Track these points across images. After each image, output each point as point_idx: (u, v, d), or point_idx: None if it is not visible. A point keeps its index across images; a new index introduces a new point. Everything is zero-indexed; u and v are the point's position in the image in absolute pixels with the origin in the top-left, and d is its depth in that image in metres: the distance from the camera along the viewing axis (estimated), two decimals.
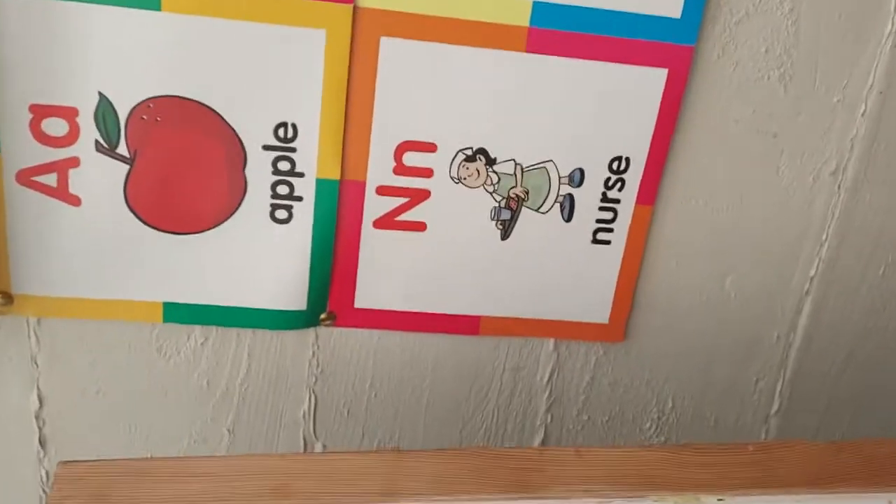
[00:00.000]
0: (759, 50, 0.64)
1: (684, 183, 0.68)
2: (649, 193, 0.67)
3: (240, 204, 0.62)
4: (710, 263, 0.71)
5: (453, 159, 0.64)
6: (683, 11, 0.60)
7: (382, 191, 0.64)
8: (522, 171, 0.65)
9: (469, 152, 0.63)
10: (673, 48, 0.61)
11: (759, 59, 0.64)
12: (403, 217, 0.65)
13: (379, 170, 0.63)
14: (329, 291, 0.67)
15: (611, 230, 0.68)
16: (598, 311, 0.71)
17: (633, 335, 0.74)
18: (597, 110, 0.63)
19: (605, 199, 0.67)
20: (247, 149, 0.60)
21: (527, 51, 0.60)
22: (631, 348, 0.74)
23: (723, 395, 0.78)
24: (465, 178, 0.64)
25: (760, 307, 0.74)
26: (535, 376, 0.74)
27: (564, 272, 0.69)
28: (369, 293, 0.67)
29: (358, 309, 0.68)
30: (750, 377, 0.78)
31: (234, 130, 0.59)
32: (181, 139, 0.59)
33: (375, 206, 0.64)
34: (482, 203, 0.66)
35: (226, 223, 0.62)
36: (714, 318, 0.74)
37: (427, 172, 0.64)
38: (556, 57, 0.61)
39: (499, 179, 0.65)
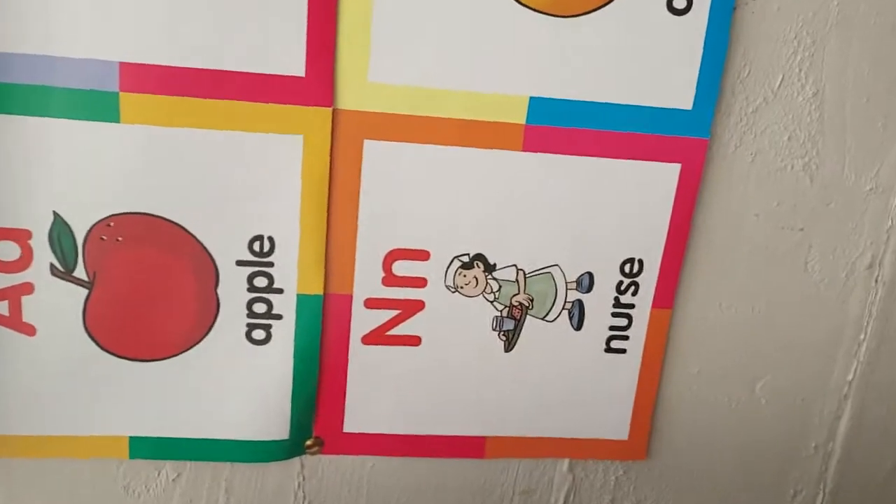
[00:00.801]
0: (780, 138, 0.58)
1: (704, 283, 0.61)
2: (666, 296, 0.60)
3: (212, 325, 0.56)
4: (737, 369, 0.65)
5: (448, 267, 0.58)
6: (695, 102, 0.55)
7: (371, 304, 0.58)
8: (525, 277, 0.59)
9: (465, 259, 0.57)
10: (685, 141, 0.56)
11: (781, 148, 0.58)
12: (395, 331, 0.59)
13: (366, 281, 0.57)
14: (315, 416, 0.60)
15: (626, 337, 0.61)
16: (617, 426, 0.64)
17: (655, 451, 0.66)
18: (604, 210, 0.57)
19: (617, 304, 0.60)
20: (218, 265, 0.54)
21: (524, 149, 0.55)
22: (654, 466, 0.67)
23: None
24: (462, 287, 0.58)
25: (795, 414, 0.67)
26: (548, 500, 0.66)
27: (577, 385, 0.62)
28: (360, 416, 0.61)
29: (348, 434, 0.61)
30: (787, 491, 0.70)
31: (203, 247, 0.54)
32: (145, 259, 0.53)
33: (364, 320, 0.58)
34: (482, 313, 0.59)
35: (196, 347, 0.56)
36: (744, 427, 0.66)
37: (420, 282, 0.58)
38: (556, 155, 0.55)
39: (499, 287, 0.59)
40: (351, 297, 0.57)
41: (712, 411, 0.65)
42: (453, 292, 0.58)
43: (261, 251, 0.54)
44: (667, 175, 0.57)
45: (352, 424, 0.61)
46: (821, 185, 0.60)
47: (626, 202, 0.57)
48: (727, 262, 0.61)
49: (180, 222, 0.53)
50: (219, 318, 0.56)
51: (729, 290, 0.62)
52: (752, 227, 0.60)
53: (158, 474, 0.59)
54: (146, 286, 0.54)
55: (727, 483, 0.68)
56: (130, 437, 0.57)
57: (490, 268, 0.58)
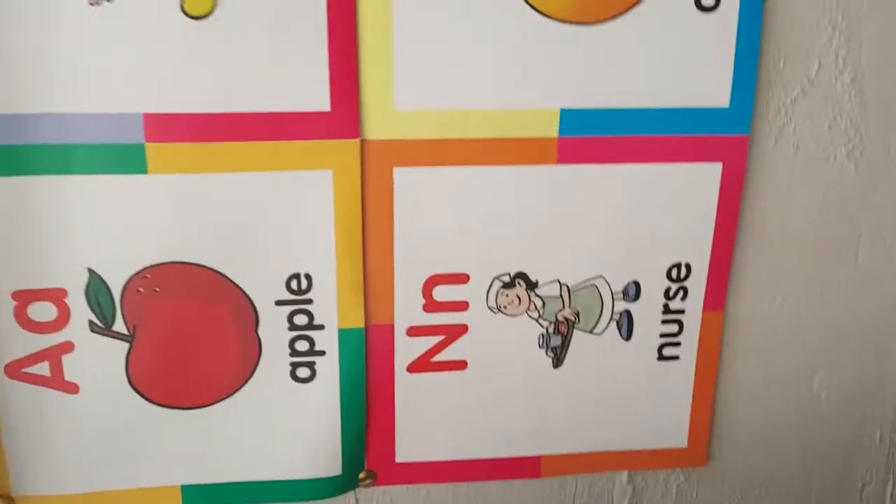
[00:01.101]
0: (821, 127, 0.56)
1: (754, 281, 0.59)
2: (717, 298, 0.59)
3: (255, 367, 0.55)
4: (793, 363, 0.63)
5: (489, 288, 0.56)
6: (732, 99, 0.53)
7: (414, 331, 0.56)
8: (570, 292, 0.57)
9: (506, 279, 0.56)
10: (725, 140, 0.54)
11: (823, 138, 0.56)
12: (440, 357, 0.57)
13: (407, 310, 0.56)
14: (366, 449, 0.59)
15: (678, 343, 0.60)
16: (675, 434, 0.62)
17: (716, 455, 0.64)
18: (647, 216, 0.56)
19: (667, 310, 0.58)
20: (258, 307, 0.53)
21: (558, 162, 0.53)
22: (716, 470, 0.65)
23: None
24: (505, 307, 0.57)
25: (855, 405, 0.65)
26: None
27: (630, 396, 0.61)
28: (411, 445, 0.59)
29: (400, 464, 0.60)
30: (854, 483, 0.68)
31: (241, 290, 0.53)
32: (184, 307, 0.52)
33: (408, 348, 0.57)
34: (528, 331, 0.58)
35: (242, 390, 0.55)
36: (805, 424, 0.64)
37: (462, 306, 0.56)
38: (592, 165, 0.54)
39: (543, 304, 0.57)
40: (392, 326, 0.56)
41: (771, 410, 0.64)
42: (496, 313, 0.57)
43: (299, 289, 0.53)
44: (708, 175, 0.55)
45: (403, 454, 0.60)
46: (866, 172, 0.58)
47: (669, 206, 0.56)
48: (776, 258, 0.59)
49: (216, 267, 0.52)
50: (262, 360, 0.55)
51: (780, 286, 0.60)
52: (800, 220, 0.58)
53: None
54: (187, 334, 0.53)
55: (792, 482, 0.66)
56: (182, 486, 0.57)
57: (532, 285, 0.56)
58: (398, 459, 0.60)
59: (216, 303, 0.53)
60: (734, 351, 0.61)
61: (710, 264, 0.57)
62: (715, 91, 0.53)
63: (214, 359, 0.54)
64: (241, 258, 0.52)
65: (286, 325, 0.54)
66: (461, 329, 0.57)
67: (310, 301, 0.54)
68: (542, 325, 0.58)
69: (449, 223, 0.54)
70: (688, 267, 0.57)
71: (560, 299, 0.57)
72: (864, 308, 0.62)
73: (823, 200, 0.58)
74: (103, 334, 0.52)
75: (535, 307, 0.57)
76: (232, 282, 0.52)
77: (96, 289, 0.51)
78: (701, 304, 0.59)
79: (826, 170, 0.57)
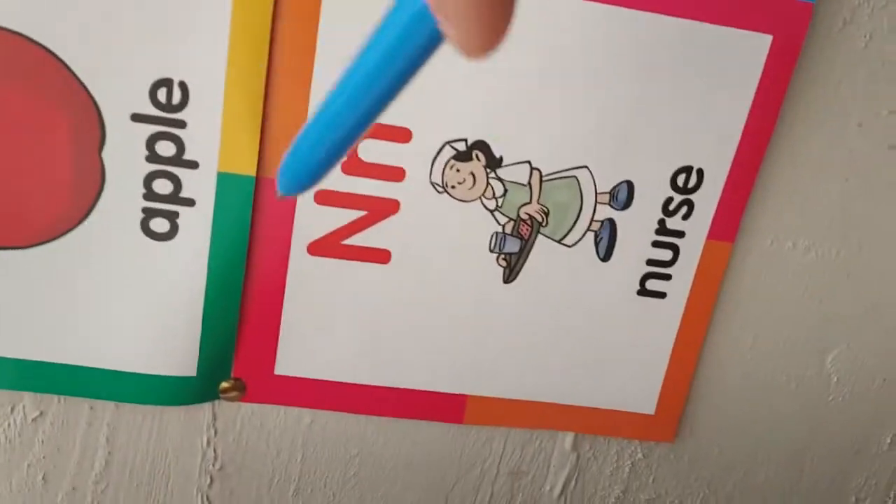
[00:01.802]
0: None
1: (777, 213, 0.45)
2: (729, 225, 0.44)
3: (93, 205, 0.39)
4: (806, 333, 0.49)
5: (437, 156, 0.41)
6: None
7: (325, 198, 0.41)
8: (541, 181, 0.42)
9: (461, 146, 0.41)
10: (782, 4, 0.39)
11: None
12: (355, 240, 0.42)
13: None
14: (235, 349, 0.44)
15: (667, 277, 0.45)
16: (641, 396, 0.48)
17: (687, 432, 0.50)
18: (659, 93, 0.41)
19: (662, 228, 0.44)
20: (105, 118, 0.38)
21: None
22: (683, 451, 0.51)
23: None
24: (453, 187, 0.42)
25: (871, 397, 0.51)
26: (542, 486, 0.51)
27: (595, 336, 0.46)
28: (299, 354, 0.44)
29: (280, 377, 0.45)
30: (846, 497, 0.54)
31: (84, 87, 0.37)
32: (1, 100, 0.36)
33: (313, 220, 0.42)
34: (478, 225, 0.43)
35: (70, 234, 0.39)
36: (806, 411, 0.51)
37: (395, 173, 0.41)
38: (603, 4, 0.39)
39: (505, 191, 0.42)
40: None
41: (767, 387, 0.50)
42: (440, 192, 0.42)
43: (168, 103, 0.38)
44: (752, 49, 0.40)
45: (286, 365, 0.44)
46: None
47: (690, 84, 0.41)
48: (811, 186, 0.45)
49: (51, 47, 0.36)
50: (103, 196, 0.39)
51: (808, 225, 0.46)
52: (852, 139, 0.44)
53: (12, 410, 0.43)
54: (1, 140, 0.37)
55: (773, 483, 0.53)
56: None
57: (494, 162, 0.42)
58: (278, 371, 0.45)
59: (47, 98, 0.37)
60: (734, 302, 0.47)
61: (728, 176, 0.43)
62: None
63: (35, 182, 0.38)
64: (91, 42, 0.36)
65: (144, 152, 0.39)
66: (390, 206, 0.42)
67: (182, 123, 0.38)
68: (498, 221, 0.43)
69: None
70: (700, 174, 0.43)
71: (527, 188, 0.42)
72: None
73: (887, 119, 0.44)
74: None
75: (493, 194, 0.42)
76: (73, 73, 0.37)
77: None
78: (707, 228, 0.44)
79: None
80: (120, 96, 0.37)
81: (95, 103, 0.37)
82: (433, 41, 0.18)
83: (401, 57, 0.19)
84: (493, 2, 0.17)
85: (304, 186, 0.22)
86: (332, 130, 0.20)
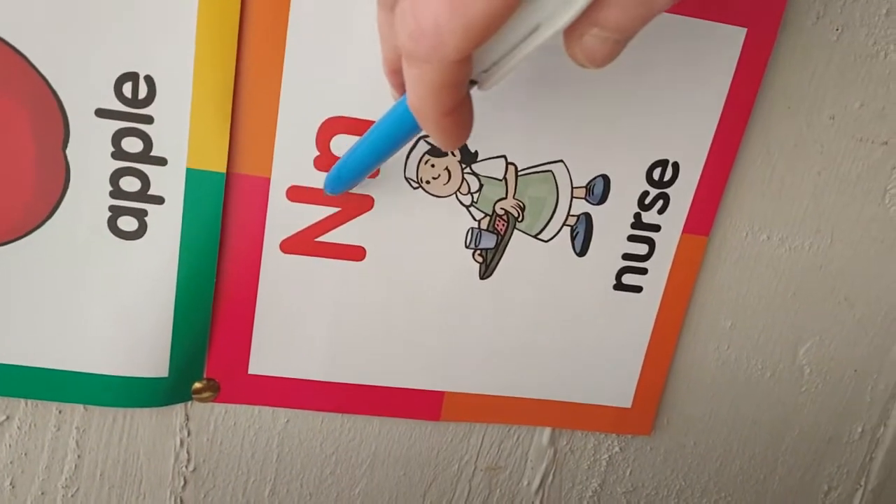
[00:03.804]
0: (877, 11, 0.42)
1: (752, 206, 0.46)
2: (703, 218, 0.45)
3: (57, 204, 0.38)
4: (779, 325, 0.49)
5: (411, 151, 0.41)
6: None
7: (298, 194, 0.40)
8: (517, 176, 0.42)
9: None
10: None
11: (876, 26, 0.42)
12: (329, 237, 0.42)
13: (292, 160, 0.40)
14: (207, 349, 0.43)
15: (643, 271, 0.45)
16: (618, 389, 0.48)
17: (663, 426, 0.51)
18: (635, 87, 0.41)
19: (638, 222, 0.44)
20: (69, 113, 0.37)
21: None
22: (659, 445, 0.51)
23: None
24: (428, 182, 0.41)
25: (843, 389, 0.52)
26: (520, 481, 0.50)
27: (571, 331, 0.46)
28: (272, 353, 0.44)
29: (254, 376, 0.44)
30: (818, 486, 0.55)
31: (47, 82, 0.36)
32: None
33: (285, 218, 0.41)
34: (453, 221, 0.43)
35: (33, 234, 0.38)
36: (779, 403, 0.51)
37: None
38: None
39: (480, 186, 0.42)
40: (268, 180, 0.40)
41: (741, 379, 0.50)
42: (415, 188, 0.41)
43: (134, 97, 0.37)
44: (726, 43, 0.40)
45: (260, 364, 0.44)
46: None
47: (665, 78, 0.41)
48: (784, 179, 0.45)
49: (10, 40, 0.35)
50: (68, 194, 0.38)
51: (781, 218, 0.46)
52: (824, 132, 0.44)
53: None
54: None
55: (749, 474, 0.53)
56: None
57: (470, 157, 0.41)
58: (252, 370, 0.44)
59: (7, 94, 0.35)
60: (709, 294, 0.47)
61: (703, 169, 0.43)
62: None
63: None
64: (52, 35, 0.35)
65: (110, 149, 0.38)
66: (364, 202, 0.41)
67: (149, 119, 0.37)
68: (473, 217, 0.43)
69: (368, 44, 0.38)
70: (675, 168, 0.43)
71: (503, 183, 0.42)
72: (878, 265, 0.48)
73: (858, 112, 0.44)
74: None
75: (469, 189, 0.42)
76: (34, 67, 0.35)
77: None
78: (682, 222, 0.44)
79: (871, 70, 0.43)
80: (83, 91, 0.36)
81: (58, 98, 0.36)
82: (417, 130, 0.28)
83: (397, 135, 0.30)
84: (453, 123, 0.25)
85: (340, 191, 0.38)
86: (358, 162, 0.34)
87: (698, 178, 0.43)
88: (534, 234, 0.43)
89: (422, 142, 0.41)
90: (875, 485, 0.55)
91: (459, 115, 0.25)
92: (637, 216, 0.44)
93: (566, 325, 0.46)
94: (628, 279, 0.45)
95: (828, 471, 0.54)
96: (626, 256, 0.45)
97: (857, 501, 0.56)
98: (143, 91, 0.37)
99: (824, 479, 0.55)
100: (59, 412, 0.42)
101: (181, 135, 0.38)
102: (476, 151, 0.41)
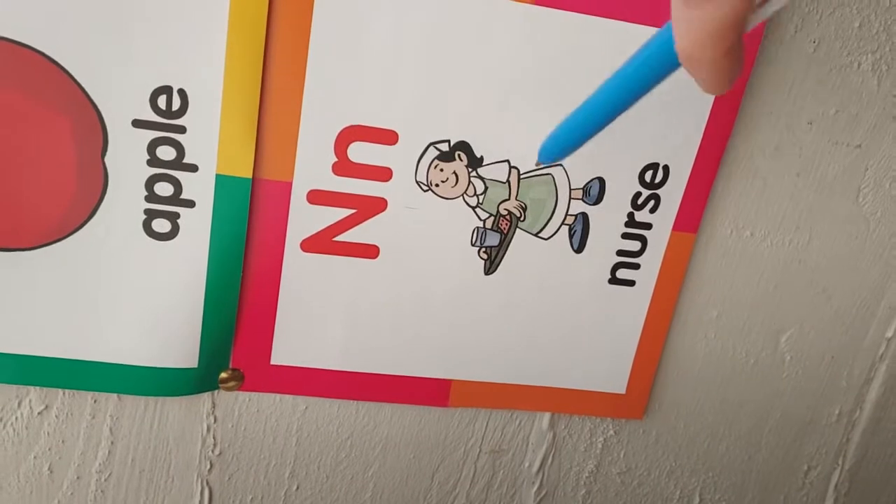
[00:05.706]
0: (850, 25, 0.46)
1: (736, 205, 0.49)
2: (692, 217, 0.48)
3: (96, 208, 0.41)
4: (762, 316, 0.53)
5: (422, 156, 0.44)
6: None
7: (317, 198, 0.44)
8: (519, 179, 0.45)
9: (445, 147, 0.44)
10: None
11: (849, 39, 0.46)
12: (346, 237, 0.45)
13: (312, 166, 0.43)
14: (233, 341, 0.46)
15: (636, 266, 0.49)
16: (613, 377, 0.52)
17: (655, 410, 0.54)
18: None
19: (631, 221, 0.48)
20: (108, 124, 0.40)
21: (535, 2, 0.41)
22: (651, 428, 0.55)
23: (763, 490, 0.59)
24: (437, 185, 0.45)
25: (820, 374, 0.56)
26: (521, 463, 0.54)
27: (569, 323, 0.50)
28: (293, 345, 0.47)
29: (276, 367, 0.47)
30: (799, 465, 0.59)
31: (87, 95, 0.39)
32: (5, 105, 0.38)
33: (306, 219, 0.44)
34: (460, 221, 0.46)
35: (75, 235, 0.41)
36: (762, 388, 0.55)
37: (383, 174, 0.44)
38: (573, 13, 0.42)
39: (485, 188, 0.45)
40: (290, 185, 0.43)
41: (727, 366, 0.54)
42: (425, 191, 0.45)
43: (168, 109, 0.40)
44: None
45: (282, 355, 0.47)
46: (889, 91, 0.48)
47: (656, 89, 0.44)
48: (766, 180, 0.49)
49: (57, 58, 0.38)
50: (106, 198, 0.41)
51: (763, 216, 0.50)
52: (803, 136, 0.48)
53: (19, 405, 0.45)
54: (5, 145, 0.39)
55: (734, 454, 0.57)
56: None
57: (476, 162, 0.44)
58: (274, 361, 0.47)
59: (50, 106, 0.39)
60: (698, 288, 0.51)
61: (692, 171, 0.47)
62: None
63: (40, 186, 0.40)
64: (92, 53, 0.38)
65: (145, 156, 0.41)
66: (378, 204, 0.45)
67: (181, 129, 0.40)
68: (479, 217, 0.46)
69: (383, 58, 0.41)
70: (665, 170, 0.47)
71: (507, 186, 0.45)
72: (852, 260, 0.52)
73: (834, 117, 0.48)
74: None
75: (475, 191, 0.45)
76: (75, 81, 0.38)
77: None
78: (672, 220, 0.48)
79: (845, 79, 0.47)
80: (121, 103, 0.39)
81: (98, 110, 0.39)
82: (671, 71, 0.24)
83: (643, 79, 0.25)
84: (731, 62, 0.22)
85: (556, 159, 0.30)
86: (583, 125, 0.28)
87: (687, 179, 0.47)
88: (535, 232, 0.47)
89: (432, 147, 0.44)
90: (852, 464, 0.59)
91: (739, 51, 0.22)
92: (630, 215, 0.47)
93: (564, 317, 0.49)
94: (622, 274, 0.49)
95: (807, 451, 0.58)
96: (620, 252, 0.48)
97: (835, 480, 0.60)
98: (176, 103, 0.40)
99: (804, 459, 0.59)
100: (95, 401, 0.46)
101: (211, 143, 0.41)
102: (481, 156, 0.44)
